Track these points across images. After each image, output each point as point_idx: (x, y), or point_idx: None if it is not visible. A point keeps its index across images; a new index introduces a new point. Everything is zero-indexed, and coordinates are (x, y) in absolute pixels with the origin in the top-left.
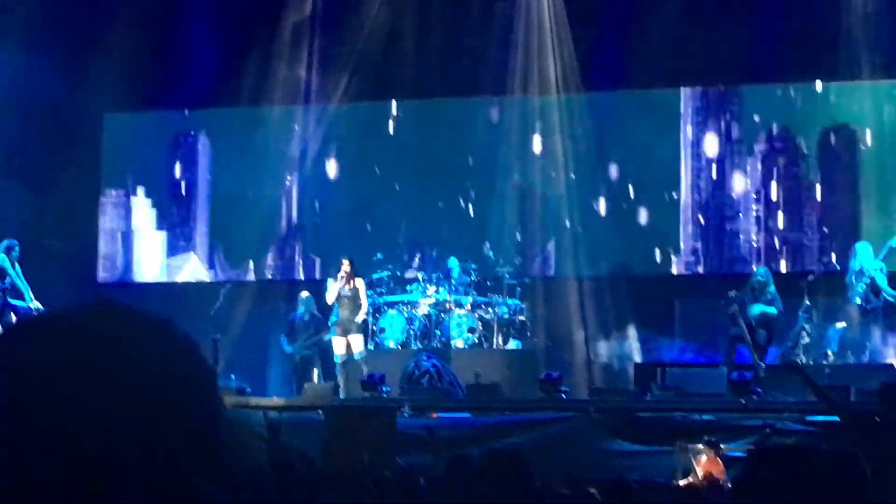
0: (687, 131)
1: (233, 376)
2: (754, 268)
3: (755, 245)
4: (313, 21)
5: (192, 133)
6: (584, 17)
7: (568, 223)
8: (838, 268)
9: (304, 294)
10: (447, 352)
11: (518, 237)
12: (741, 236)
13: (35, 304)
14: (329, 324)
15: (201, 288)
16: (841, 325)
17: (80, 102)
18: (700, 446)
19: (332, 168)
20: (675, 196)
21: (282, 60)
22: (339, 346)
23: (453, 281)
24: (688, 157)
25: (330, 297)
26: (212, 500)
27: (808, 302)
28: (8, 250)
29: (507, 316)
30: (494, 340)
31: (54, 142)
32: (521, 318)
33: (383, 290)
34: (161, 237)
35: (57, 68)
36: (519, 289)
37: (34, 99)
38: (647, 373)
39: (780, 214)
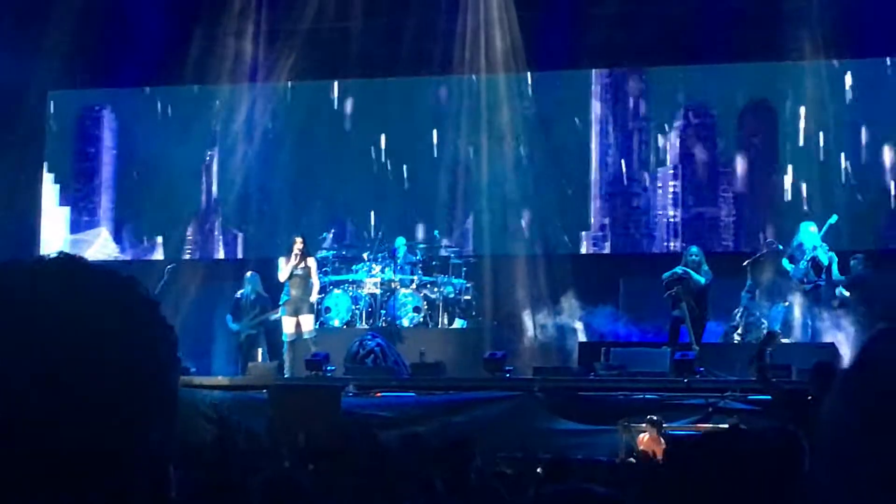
0: (595, 108)
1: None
2: (671, 245)
3: (672, 221)
4: None
5: (97, 108)
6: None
7: (514, 201)
8: (780, 247)
9: (250, 273)
10: (392, 331)
11: (463, 216)
12: (651, 213)
13: None
14: (280, 303)
15: (146, 266)
16: (785, 304)
17: (24, 80)
18: (643, 425)
19: (267, 146)
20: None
21: (228, 36)
22: (288, 325)
23: (399, 260)
24: (595, 135)
25: (283, 276)
26: (160, 448)
27: (750, 281)
28: None
29: (452, 295)
30: (440, 320)
31: None
32: (467, 297)
33: (328, 270)
34: (64, 213)
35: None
36: (464, 268)
37: None
38: (590, 352)
39: (697, 191)
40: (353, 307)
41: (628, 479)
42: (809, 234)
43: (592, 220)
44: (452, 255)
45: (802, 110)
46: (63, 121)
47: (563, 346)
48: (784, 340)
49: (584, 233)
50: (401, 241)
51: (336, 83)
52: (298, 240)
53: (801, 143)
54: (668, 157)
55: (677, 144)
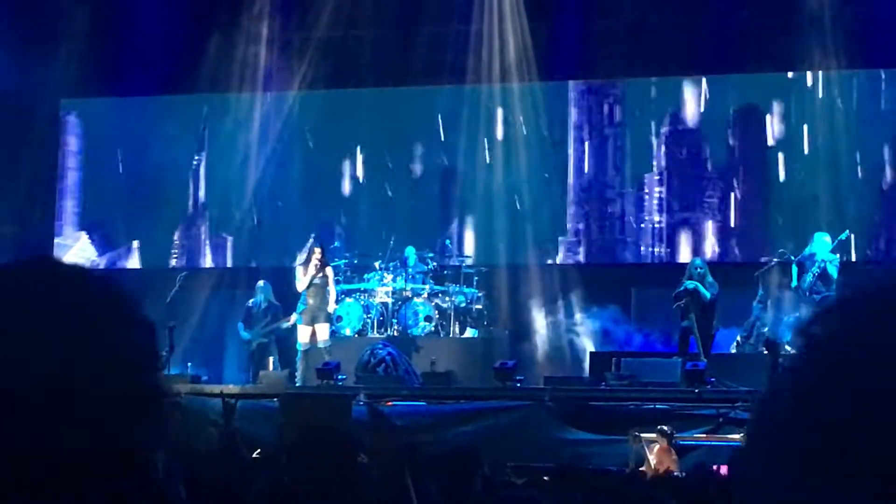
0: (572, 114)
1: (189, 364)
2: (656, 251)
3: (657, 227)
4: (273, 8)
5: (62, 115)
6: (540, 8)
7: (526, 212)
8: (792, 257)
9: (262, 282)
10: (404, 340)
11: (474, 225)
12: (625, 218)
13: None
14: (297, 311)
15: (156, 274)
16: (796, 315)
17: (37, 89)
18: (653, 435)
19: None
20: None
21: (239, 45)
22: (303, 334)
23: (410, 269)
24: (573, 141)
25: (301, 285)
26: (149, 443)
27: (761, 291)
28: None
29: (463, 304)
30: (451, 329)
31: (12, 128)
32: (478, 306)
33: (340, 279)
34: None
35: (10, 55)
36: (476, 278)
37: None
38: (602, 362)
39: (681, 197)
40: (365, 316)
41: (636, 490)
42: (823, 245)
43: (568, 226)
44: (464, 264)
45: (792, 118)
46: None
47: (574, 355)
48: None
49: (560, 238)
50: (412, 251)
51: (338, 91)
52: (317, 249)
53: (791, 150)
54: (655, 163)
55: (663, 151)
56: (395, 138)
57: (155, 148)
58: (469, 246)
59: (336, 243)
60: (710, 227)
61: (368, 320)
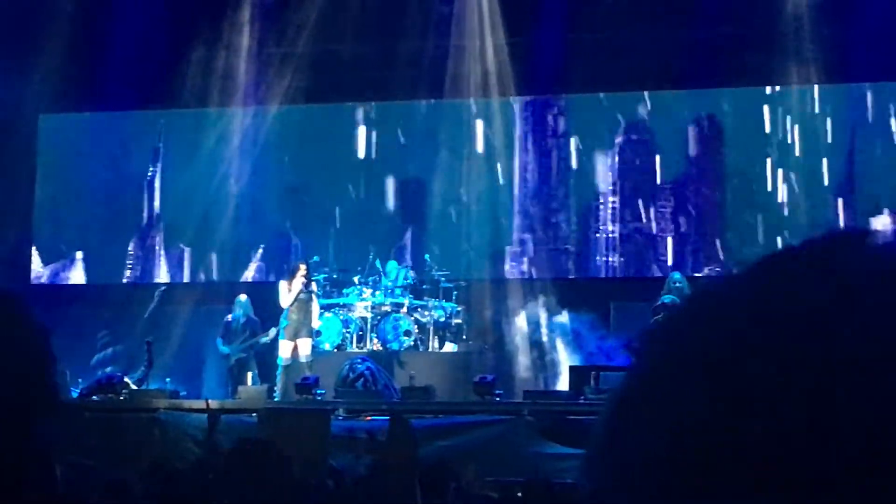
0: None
1: (168, 379)
2: (610, 260)
3: (610, 237)
4: (252, 21)
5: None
6: (518, 22)
7: (506, 225)
8: None
9: (242, 297)
10: (383, 355)
11: (454, 240)
12: (569, 229)
13: None
14: (281, 327)
15: (133, 289)
16: None
17: (15, 103)
18: None
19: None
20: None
21: (220, 59)
22: (285, 349)
23: (389, 284)
24: (519, 152)
25: (286, 301)
26: (46, 441)
27: None
28: None
29: (442, 319)
30: (430, 343)
31: None
32: (457, 321)
33: (319, 293)
34: None
35: None
36: (455, 292)
37: None
38: (581, 376)
39: (634, 207)
40: (344, 331)
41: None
42: None
43: (514, 237)
44: (443, 278)
45: (750, 129)
46: (51, 144)
47: (553, 369)
48: None
49: (507, 247)
50: (392, 265)
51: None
52: (302, 266)
53: (747, 161)
54: (609, 173)
55: (616, 161)
56: (368, 152)
57: (112, 160)
58: (444, 260)
59: (315, 258)
60: (660, 235)
61: (347, 335)
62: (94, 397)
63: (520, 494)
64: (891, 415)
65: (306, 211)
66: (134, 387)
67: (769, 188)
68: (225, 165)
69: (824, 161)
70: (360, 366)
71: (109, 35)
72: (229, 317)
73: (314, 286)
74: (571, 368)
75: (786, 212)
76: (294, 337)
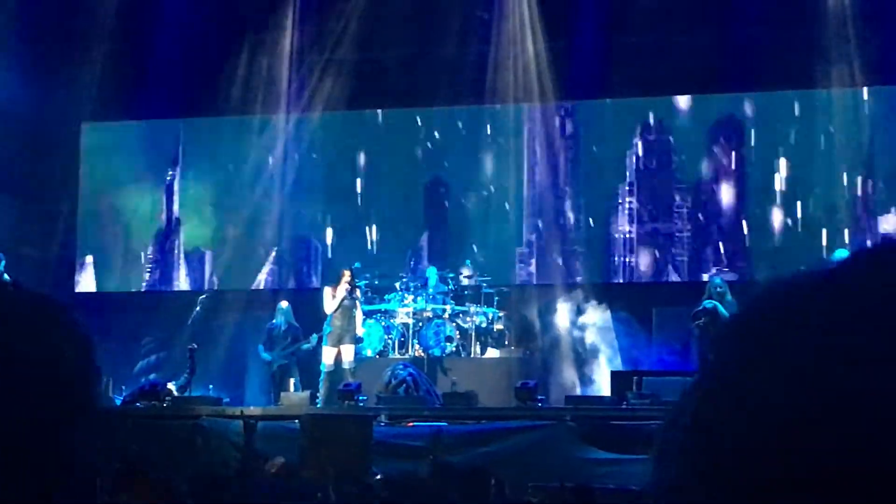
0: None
1: (210, 386)
2: (627, 260)
3: (627, 237)
4: (292, 30)
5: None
6: (558, 27)
7: (544, 230)
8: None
9: (284, 304)
10: (425, 361)
11: (495, 245)
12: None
13: None
14: (324, 333)
15: (177, 297)
16: None
17: (58, 112)
18: None
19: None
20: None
21: (260, 67)
22: (328, 355)
23: (431, 290)
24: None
25: (331, 307)
26: (85, 452)
27: None
28: None
29: (484, 325)
30: (472, 349)
31: (32, 151)
32: (499, 326)
33: (361, 300)
34: None
35: (34, 78)
36: (496, 297)
37: (12, 108)
38: (623, 381)
39: (652, 207)
40: (386, 337)
41: None
42: None
43: (524, 238)
44: (484, 284)
45: (770, 130)
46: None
47: (595, 374)
48: None
49: (517, 249)
50: (432, 271)
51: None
52: (346, 272)
53: (763, 163)
54: (627, 173)
55: (633, 161)
56: (406, 158)
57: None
58: (508, 267)
59: (356, 264)
60: (677, 235)
61: (389, 341)
62: (138, 404)
63: (562, 500)
64: None
65: (335, 213)
66: (177, 394)
67: (789, 190)
68: (259, 170)
69: (843, 165)
70: (402, 372)
71: (150, 45)
72: (271, 323)
73: (358, 293)
74: (613, 374)
75: (806, 215)
76: (337, 343)
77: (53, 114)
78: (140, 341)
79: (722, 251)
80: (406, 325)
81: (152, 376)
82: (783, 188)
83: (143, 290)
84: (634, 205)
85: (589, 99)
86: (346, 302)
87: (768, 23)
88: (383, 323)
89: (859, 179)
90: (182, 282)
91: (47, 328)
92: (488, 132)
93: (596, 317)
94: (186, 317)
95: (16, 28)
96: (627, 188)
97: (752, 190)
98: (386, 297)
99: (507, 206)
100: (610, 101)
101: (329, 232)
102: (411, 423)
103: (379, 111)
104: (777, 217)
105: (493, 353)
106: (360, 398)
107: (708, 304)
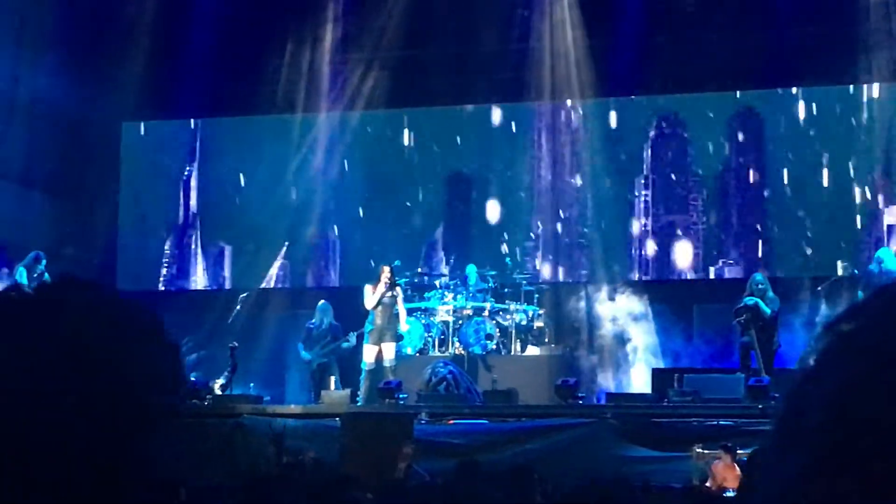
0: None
1: (251, 384)
2: (643, 253)
3: (643, 229)
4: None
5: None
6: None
7: (582, 229)
8: (856, 272)
9: (322, 302)
10: (465, 359)
11: (533, 243)
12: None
13: None
14: (365, 331)
15: (217, 295)
16: None
17: (98, 112)
18: (717, 451)
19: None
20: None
21: (300, 65)
22: (369, 353)
23: (471, 288)
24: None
25: (370, 304)
26: (162, 458)
27: (825, 307)
28: (35, 261)
29: (524, 322)
30: (512, 347)
31: (73, 151)
32: (539, 324)
33: (401, 296)
34: None
35: (75, 79)
36: (536, 295)
37: (53, 109)
38: (664, 378)
39: (667, 199)
40: (426, 335)
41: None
42: (893, 260)
43: (532, 233)
44: (524, 281)
45: (790, 125)
46: (134, 151)
47: (635, 371)
48: None
49: (527, 242)
50: (472, 269)
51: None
52: (386, 268)
53: (786, 156)
54: (643, 166)
55: (649, 154)
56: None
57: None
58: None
59: (397, 262)
60: (692, 228)
61: (429, 339)
62: None
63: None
64: None
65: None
66: (218, 392)
67: (809, 184)
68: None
69: (856, 158)
70: (442, 370)
71: (186, 45)
72: (311, 322)
73: (397, 290)
74: (654, 371)
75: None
76: (378, 341)
77: (94, 114)
78: (182, 340)
79: (737, 245)
80: (446, 322)
81: (193, 375)
82: (798, 183)
83: (160, 288)
84: (649, 197)
85: (620, 96)
86: (385, 300)
87: (797, 20)
88: (423, 321)
89: (877, 173)
90: (200, 277)
91: (140, 335)
92: (513, 129)
93: (634, 312)
94: (228, 315)
95: (56, 29)
96: (642, 181)
97: (771, 184)
98: (426, 294)
99: (528, 199)
100: (634, 98)
101: (347, 228)
102: (452, 421)
103: (409, 109)
104: (801, 211)
105: (533, 350)
106: (401, 396)
107: (749, 300)
